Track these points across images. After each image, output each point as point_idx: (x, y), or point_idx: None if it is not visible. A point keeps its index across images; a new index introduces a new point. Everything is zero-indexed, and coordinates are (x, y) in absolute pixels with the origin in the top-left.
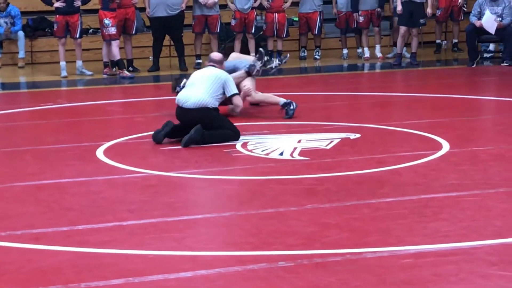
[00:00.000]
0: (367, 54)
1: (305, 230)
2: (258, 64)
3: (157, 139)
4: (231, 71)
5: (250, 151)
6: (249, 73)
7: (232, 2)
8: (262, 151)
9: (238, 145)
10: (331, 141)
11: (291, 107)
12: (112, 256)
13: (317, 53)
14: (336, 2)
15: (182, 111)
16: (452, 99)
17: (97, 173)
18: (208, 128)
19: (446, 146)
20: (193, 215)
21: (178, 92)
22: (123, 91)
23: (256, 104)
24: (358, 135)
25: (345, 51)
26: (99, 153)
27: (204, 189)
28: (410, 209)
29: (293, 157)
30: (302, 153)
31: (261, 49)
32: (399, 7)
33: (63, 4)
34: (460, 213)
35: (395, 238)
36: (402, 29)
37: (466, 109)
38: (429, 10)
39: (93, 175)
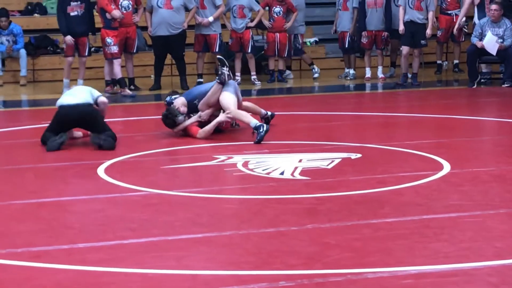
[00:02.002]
0: (368, 74)
1: (306, 250)
2: (225, 70)
3: (53, 147)
4: (206, 92)
5: (251, 170)
6: (221, 83)
7: (229, 22)
8: (263, 170)
9: (239, 164)
10: (332, 161)
11: (261, 130)
12: (112, 275)
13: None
14: (336, 24)
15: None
16: (453, 119)
17: (98, 191)
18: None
19: (447, 167)
20: (193, 234)
21: (167, 101)
22: (124, 110)
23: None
24: (359, 155)
25: (352, 71)
26: (100, 171)
27: (205, 208)
28: (411, 229)
29: (294, 176)
30: (303, 172)
31: (218, 56)
32: (401, 27)
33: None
34: (461, 234)
35: (396, 259)
36: (405, 49)
37: (467, 129)
38: (428, 31)
39: (94, 193)
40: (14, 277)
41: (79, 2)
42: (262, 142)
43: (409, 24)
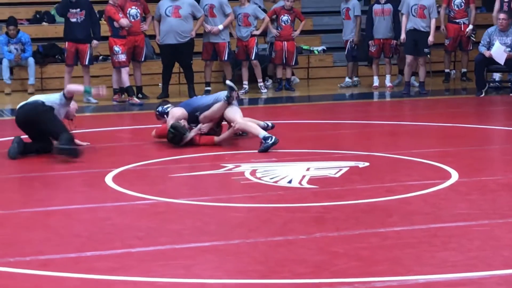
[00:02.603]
0: (376, 82)
1: (314, 259)
2: (234, 94)
3: (12, 154)
4: (212, 105)
5: (259, 178)
6: (229, 103)
7: (234, 30)
8: (271, 178)
9: (247, 172)
10: (340, 170)
11: (269, 141)
12: (120, 283)
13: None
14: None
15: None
16: (461, 128)
17: (106, 199)
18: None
19: (455, 176)
20: (201, 243)
21: (159, 111)
22: (132, 118)
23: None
24: (367, 164)
25: (347, 79)
26: (108, 179)
27: (212, 216)
28: (418, 238)
29: (301, 185)
30: (310, 181)
31: (228, 83)
32: (403, 36)
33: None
34: (469, 243)
35: (404, 268)
36: (409, 58)
37: (475, 138)
38: (430, 39)
39: (102, 201)
40: (23, 285)
41: (78, 9)
42: (269, 150)
43: (412, 32)
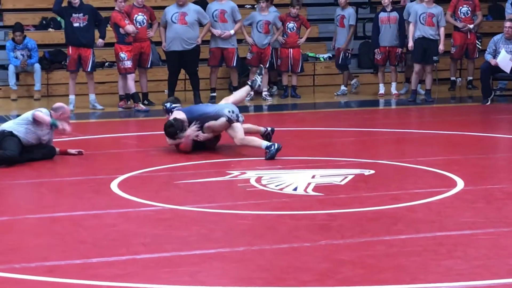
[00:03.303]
0: (382, 90)
1: (319, 266)
2: (234, 117)
3: None
4: (212, 117)
5: (264, 185)
6: (230, 121)
7: (249, 36)
8: (276, 186)
9: (252, 179)
10: (345, 177)
11: (272, 148)
12: None
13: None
14: (335, 40)
15: None
16: (467, 136)
17: (111, 206)
18: None
19: (460, 184)
20: (207, 250)
21: (166, 107)
22: (138, 124)
23: None
24: (372, 171)
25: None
26: (114, 186)
27: (218, 223)
28: (424, 246)
29: (307, 192)
30: (316, 188)
31: (228, 115)
32: (410, 43)
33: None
34: (475, 251)
35: (409, 276)
36: (417, 66)
37: (481, 146)
38: (441, 47)
39: (107, 208)
40: None
41: (81, 14)
42: (274, 157)
43: (421, 40)
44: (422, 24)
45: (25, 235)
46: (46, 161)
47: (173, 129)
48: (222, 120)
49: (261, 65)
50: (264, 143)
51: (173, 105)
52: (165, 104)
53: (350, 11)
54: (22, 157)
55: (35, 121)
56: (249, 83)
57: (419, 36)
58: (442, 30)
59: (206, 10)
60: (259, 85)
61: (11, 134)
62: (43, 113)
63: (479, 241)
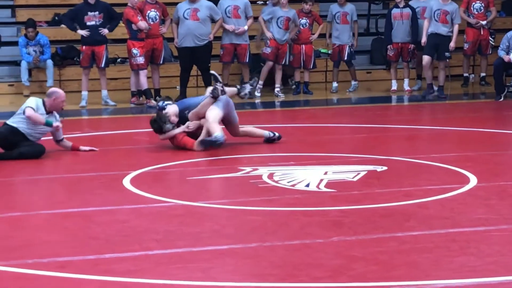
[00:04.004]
0: (394, 86)
1: (331, 263)
2: (219, 86)
3: None
4: (198, 103)
5: (276, 182)
6: (214, 97)
7: (268, 30)
8: (288, 182)
9: (265, 176)
10: (358, 173)
11: (275, 136)
12: (137, 286)
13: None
14: (330, 36)
15: None
16: (480, 132)
17: (124, 202)
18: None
19: (473, 180)
20: (219, 246)
21: (159, 106)
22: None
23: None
24: (385, 168)
25: (335, 84)
26: (126, 182)
27: (230, 220)
28: (436, 243)
29: (319, 188)
30: (328, 185)
31: (211, 72)
32: (424, 39)
33: (87, 33)
34: (488, 247)
35: (422, 272)
36: (425, 59)
37: (494, 143)
38: (452, 44)
39: (120, 204)
40: (40, 287)
41: (97, 12)
42: (286, 153)
43: (433, 36)
44: (436, 21)
45: (37, 231)
46: (58, 157)
47: (157, 124)
48: (207, 98)
49: (256, 78)
50: (267, 133)
51: (165, 102)
52: (158, 104)
53: (351, 7)
54: (12, 153)
55: (30, 119)
56: (238, 87)
57: (432, 32)
58: (456, 27)
59: (218, 5)
60: (246, 94)
61: (17, 130)
62: (35, 110)
63: (492, 237)
